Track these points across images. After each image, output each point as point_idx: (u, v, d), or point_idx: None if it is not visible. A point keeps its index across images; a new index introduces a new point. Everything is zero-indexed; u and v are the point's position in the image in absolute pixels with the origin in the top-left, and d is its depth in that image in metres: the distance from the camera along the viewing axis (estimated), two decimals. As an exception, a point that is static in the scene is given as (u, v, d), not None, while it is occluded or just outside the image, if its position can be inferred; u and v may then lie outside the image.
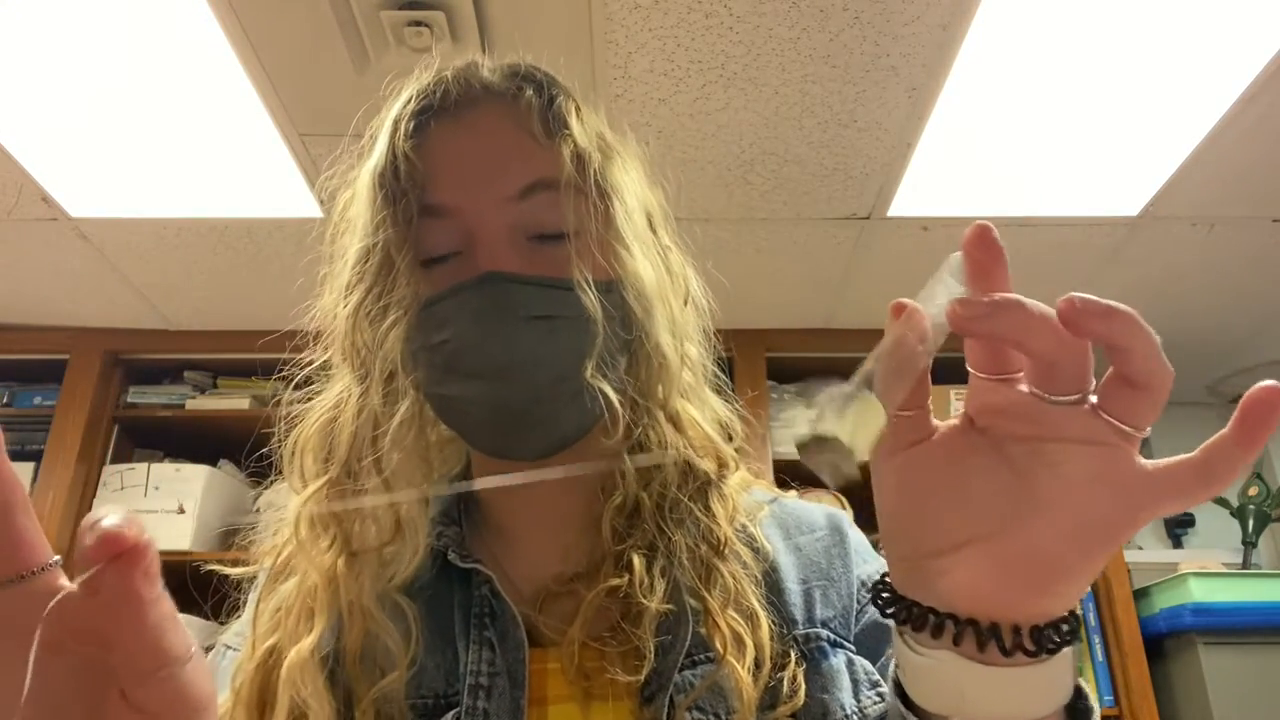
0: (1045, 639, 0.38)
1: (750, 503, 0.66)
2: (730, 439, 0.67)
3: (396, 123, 0.61)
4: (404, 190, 0.59)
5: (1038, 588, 0.38)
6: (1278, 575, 2.49)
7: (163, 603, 0.33)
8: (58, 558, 0.34)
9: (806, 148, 1.95)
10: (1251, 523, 2.72)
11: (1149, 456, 0.36)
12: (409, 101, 0.62)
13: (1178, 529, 2.96)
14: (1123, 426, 0.35)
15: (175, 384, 2.66)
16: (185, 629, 0.35)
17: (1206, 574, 2.38)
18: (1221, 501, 2.78)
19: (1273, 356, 2.86)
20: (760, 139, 1.93)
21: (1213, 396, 3.13)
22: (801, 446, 0.36)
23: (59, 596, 0.32)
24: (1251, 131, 1.87)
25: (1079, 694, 0.41)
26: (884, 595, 0.43)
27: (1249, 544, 2.71)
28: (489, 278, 0.57)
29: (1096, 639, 2.42)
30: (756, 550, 0.61)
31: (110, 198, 2.08)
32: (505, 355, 0.57)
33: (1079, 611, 0.40)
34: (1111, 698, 2.36)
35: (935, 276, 0.38)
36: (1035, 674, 0.39)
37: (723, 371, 0.70)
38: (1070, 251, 2.31)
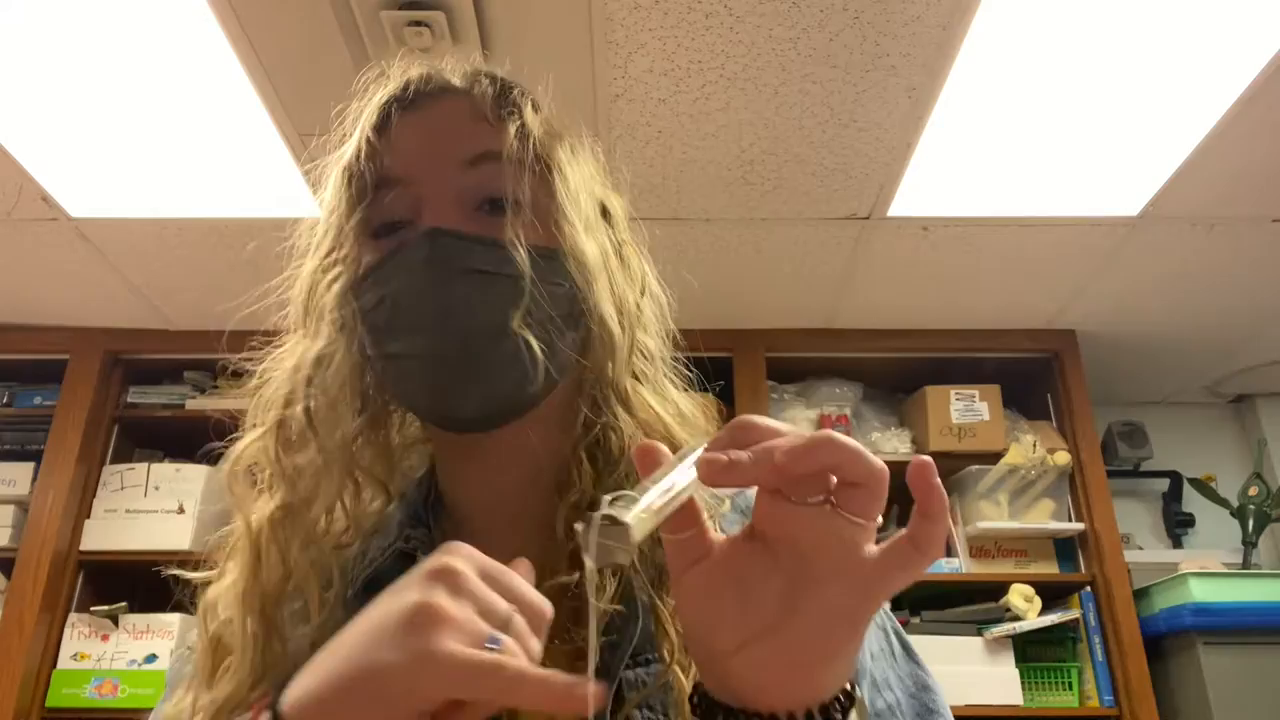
0: (828, 717, 0.43)
1: (712, 497, 0.64)
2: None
3: (363, 118, 0.66)
4: (363, 170, 0.63)
5: (804, 675, 0.43)
6: (1278, 575, 2.49)
7: None
8: None
9: (806, 148, 1.95)
10: (1251, 523, 2.72)
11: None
12: (378, 99, 0.67)
13: (1178, 529, 2.96)
14: (854, 519, 0.41)
15: (175, 384, 2.65)
16: None
17: (1206, 574, 2.38)
18: (1221, 501, 2.78)
19: (1273, 356, 2.86)
20: (760, 139, 1.93)
21: (1213, 396, 3.13)
22: (589, 517, 0.40)
23: None
24: (1251, 131, 1.87)
25: None
26: (695, 699, 0.46)
27: (1249, 544, 2.71)
28: (431, 233, 0.60)
29: (1096, 639, 2.41)
30: None
31: (110, 198, 2.08)
32: (439, 303, 0.59)
33: (853, 691, 0.45)
34: (1111, 698, 2.35)
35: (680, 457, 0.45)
36: None
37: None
38: (1070, 251, 2.31)
